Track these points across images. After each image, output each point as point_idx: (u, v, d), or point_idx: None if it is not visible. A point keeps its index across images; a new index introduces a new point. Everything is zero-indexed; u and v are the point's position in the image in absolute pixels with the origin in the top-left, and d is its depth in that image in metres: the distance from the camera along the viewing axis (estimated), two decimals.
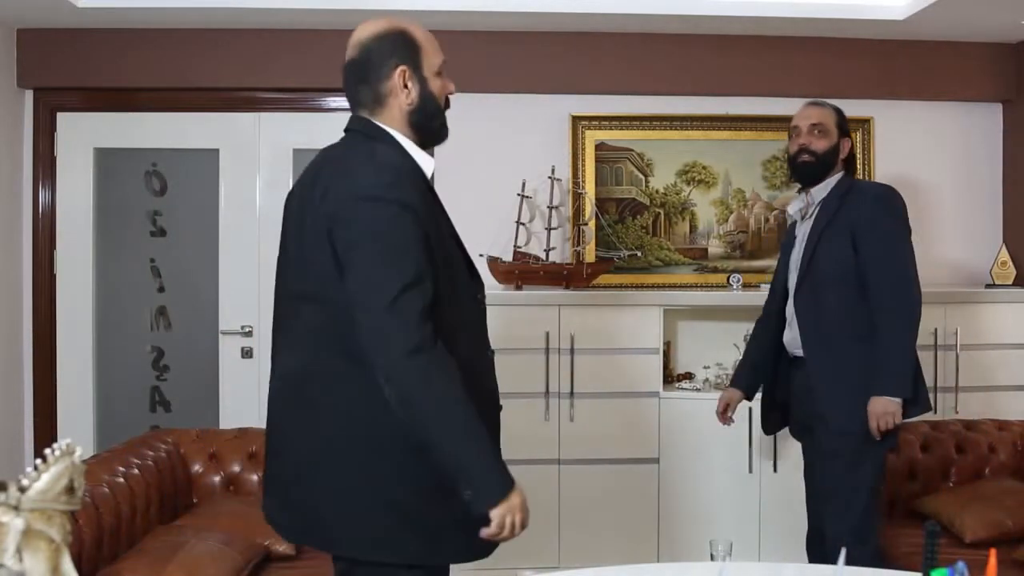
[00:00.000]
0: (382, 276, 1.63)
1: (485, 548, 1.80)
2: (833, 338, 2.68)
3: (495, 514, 1.68)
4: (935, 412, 3.67)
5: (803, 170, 2.81)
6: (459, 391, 1.65)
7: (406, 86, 1.80)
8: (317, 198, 1.72)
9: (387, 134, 1.80)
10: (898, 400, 2.57)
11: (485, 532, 1.70)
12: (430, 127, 1.85)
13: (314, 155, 1.88)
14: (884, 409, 2.56)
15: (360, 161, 1.73)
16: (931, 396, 3.68)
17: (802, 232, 2.83)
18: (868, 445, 2.62)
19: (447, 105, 1.88)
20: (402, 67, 1.79)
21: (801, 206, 2.86)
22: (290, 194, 1.91)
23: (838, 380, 2.65)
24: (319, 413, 1.73)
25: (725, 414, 3.03)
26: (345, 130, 1.87)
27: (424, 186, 1.78)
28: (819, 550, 2.77)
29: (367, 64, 1.80)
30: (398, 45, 1.80)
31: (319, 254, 1.70)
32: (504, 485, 1.70)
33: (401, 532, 1.72)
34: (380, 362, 1.63)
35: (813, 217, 2.79)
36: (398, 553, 1.72)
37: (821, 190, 2.79)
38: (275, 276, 1.89)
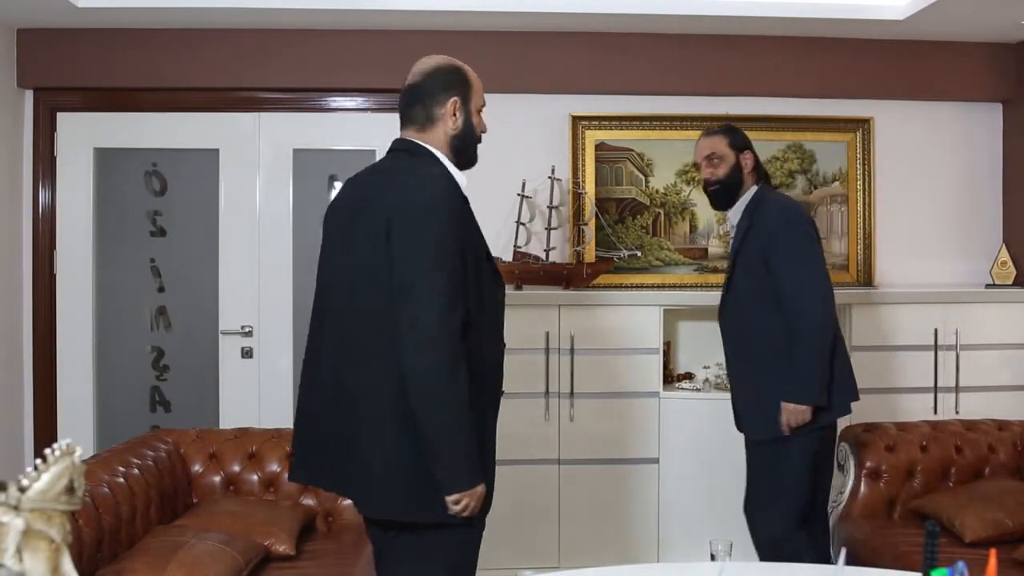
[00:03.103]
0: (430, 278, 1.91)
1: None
2: (752, 355, 2.85)
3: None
4: (935, 412, 3.69)
5: (714, 198, 2.96)
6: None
7: (455, 115, 2.07)
8: (374, 209, 1.97)
9: (430, 152, 2.06)
10: (805, 407, 2.71)
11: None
12: (466, 153, 2.12)
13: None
14: (791, 412, 2.72)
15: (415, 174, 2.00)
16: (931, 396, 3.72)
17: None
18: (783, 456, 2.78)
19: (479, 140, 2.15)
20: (455, 98, 2.07)
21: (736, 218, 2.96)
22: (337, 208, 2.13)
23: (753, 393, 2.83)
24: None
25: None
26: (394, 148, 2.12)
27: (462, 197, 2.04)
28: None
29: (427, 89, 2.07)
30: (456, 80, 2.09)
31: (377, 257, 1.94)
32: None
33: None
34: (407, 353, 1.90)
35: (731, 239, 2.94)
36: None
37: (735, 213, 2.91)
38: (322, 276, 2.11)
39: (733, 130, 2.95)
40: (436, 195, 1.94)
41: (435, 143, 2.08)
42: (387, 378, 1.91)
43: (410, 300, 1.88)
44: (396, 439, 1.91)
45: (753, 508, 2.90)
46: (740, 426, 2.95)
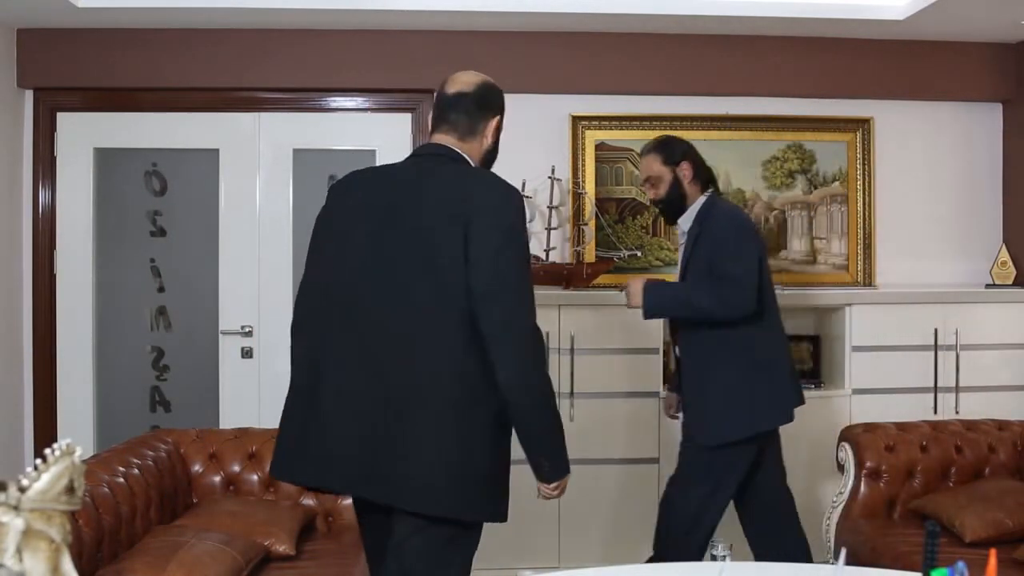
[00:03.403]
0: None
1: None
2: (702, 363, 2.86)
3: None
4: (935, 412, 3.69)
5: (664, 215, 3.10)
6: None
7: (493, 133, 2.14)
8: (443, 210, 1.94)
9: (469, 161, 2.09)
10: (639, 304, 2.82)
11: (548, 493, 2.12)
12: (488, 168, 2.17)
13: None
14: (634, 290, 2.83)
15: (491, 180, 2.05)
16: (931, 396, 3.72)
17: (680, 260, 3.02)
18: (727, 459, 2.82)
19: None
20: (497, 117, 2.14)
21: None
22: (365, 206, 2.03)
23: (709, 399, 2.84)
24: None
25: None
26: (428, 153, 2.10)
27: None
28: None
29: (476, 103, 2.11)
30: (500, 102, 2.16)
31: (444, 256, 1.92)
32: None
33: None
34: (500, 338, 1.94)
35: (683, 247, 2.97)
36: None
37: (685, 220, 2.95)
38: (336, 275, 2.02)
39: (666, 144, 2.98)
40: (520, 202, 2.00)
41: (471, 154, 2.09)
42: (447, 378, 1.91)
43: (504, 303, 1.92)
44: (455, 438, 1.91)
45: (678, 491, 2.92)
46: (690, 429, 2.93)
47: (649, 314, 2.84)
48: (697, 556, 2.83)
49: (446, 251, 1.91)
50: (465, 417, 1.91)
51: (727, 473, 2.83)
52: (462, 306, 1.90)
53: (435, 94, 2.17)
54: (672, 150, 2.95)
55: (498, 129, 2.14)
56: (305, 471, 2.04)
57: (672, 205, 2.96)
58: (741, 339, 2.78)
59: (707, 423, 2.82)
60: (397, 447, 1.90)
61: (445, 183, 2.00)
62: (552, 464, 2.04)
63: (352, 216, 2.03)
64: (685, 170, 2.92)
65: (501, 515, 2.03)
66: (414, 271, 1.93)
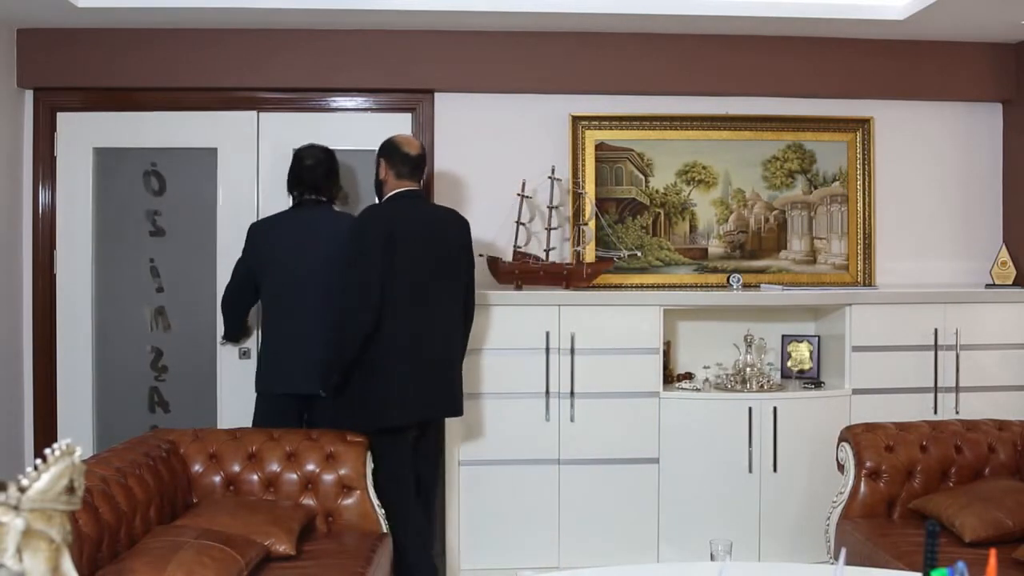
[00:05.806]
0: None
1: None
2: None
3: None
4: (935, 412, 3.69)
5: None
6: None
7: None
8: (456, 232, 3.32)
9: None
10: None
11: None
12: None
13: None
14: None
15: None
16: (931, 396, 3.72)
17: None
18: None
19: None
20: None
21: None
22: (416, 231, 3.19)
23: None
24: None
25: None
26: (419, 195, 3.34)
27: None
28: None
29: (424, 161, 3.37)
30: None
31: (462, 262, 3.32)
32: None
33: None
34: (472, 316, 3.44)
35: None
36: None
37: None
38: (400, 270, 3.12)
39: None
40: None
41: None
42: (463, 334, 3.38)
43: (473, 285, 3.37)
44: (460, 374, 3.37)
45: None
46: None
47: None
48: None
49: (461, 258, 3.30)
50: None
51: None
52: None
53: (395, 151, 3.26)
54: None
55: None
56: (417, 412, 3.21)
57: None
58: None
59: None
60: (456, 384, 3.31)
61: (452, 215, 3.33)
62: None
63: (414, 239, 3.14)
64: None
65: None
66: (452, 270, 3.24)
